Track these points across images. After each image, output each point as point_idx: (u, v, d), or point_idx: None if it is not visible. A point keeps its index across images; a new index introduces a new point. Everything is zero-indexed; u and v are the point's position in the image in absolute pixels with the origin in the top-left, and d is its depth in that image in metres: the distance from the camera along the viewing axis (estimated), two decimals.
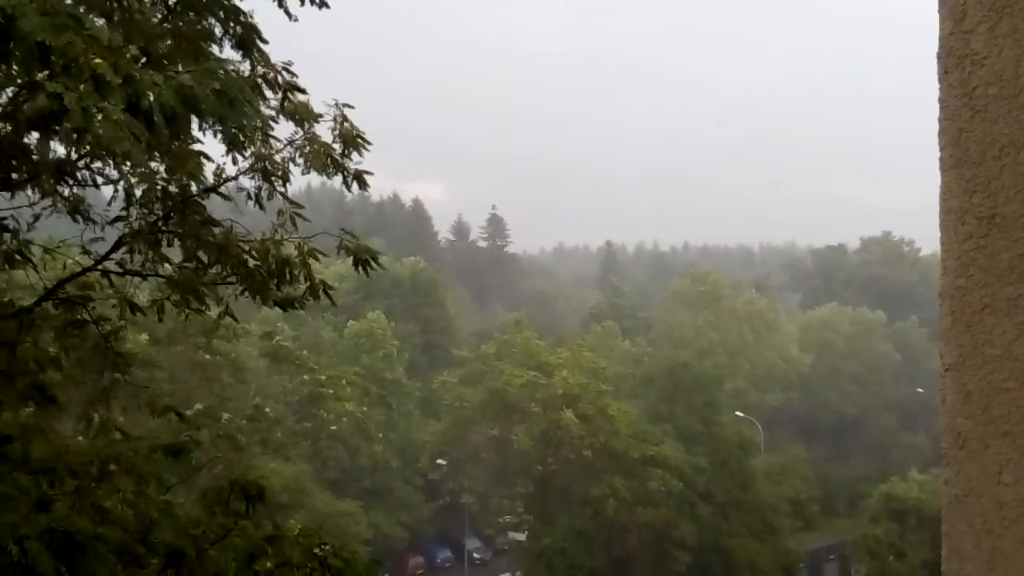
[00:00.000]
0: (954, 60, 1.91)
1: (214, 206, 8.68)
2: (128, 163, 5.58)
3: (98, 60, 5.32)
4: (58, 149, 7.30)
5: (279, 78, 7.67)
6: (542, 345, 58.39)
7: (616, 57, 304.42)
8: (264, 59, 7.74)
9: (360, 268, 8.70)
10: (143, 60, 6.58)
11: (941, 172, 1.96)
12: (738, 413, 65.75)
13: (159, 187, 7.17)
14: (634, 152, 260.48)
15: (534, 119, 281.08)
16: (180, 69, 6.62)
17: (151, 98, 5.57)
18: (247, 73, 7.50)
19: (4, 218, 7.41)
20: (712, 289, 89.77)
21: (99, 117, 5.16)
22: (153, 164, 6.70)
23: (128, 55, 5.78)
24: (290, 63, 7.81)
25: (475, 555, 61.40)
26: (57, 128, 5.42)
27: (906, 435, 79.65)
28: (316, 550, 6.91)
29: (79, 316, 7.90)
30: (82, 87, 5.23)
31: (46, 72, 5.45)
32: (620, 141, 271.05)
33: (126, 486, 7.94)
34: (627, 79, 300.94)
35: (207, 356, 43.60)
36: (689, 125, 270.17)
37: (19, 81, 6.14)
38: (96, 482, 7.56)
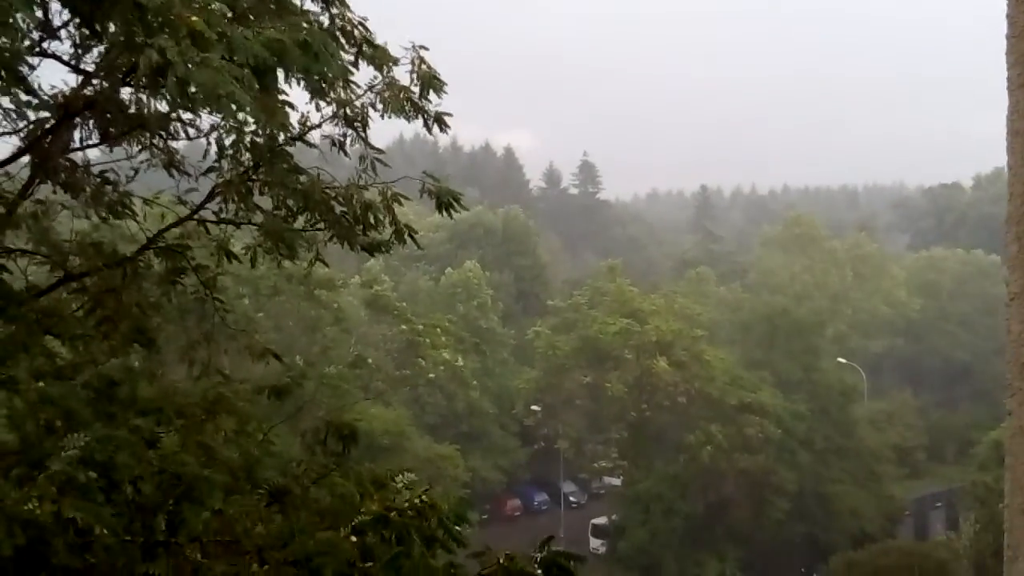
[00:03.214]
0: None
1: (301, 154, 8.89)
2: (234, 105, 5.79)
3: (194, 18, 5.54)
4: (153, 104, 7.61)
5: (356, 32, 7.73)
6: (635, 292, 57.96)
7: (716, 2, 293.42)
8: (342, 12, 7.80)
9: (443, 211, 8.78)
10: (229, 15, 6.73)
11: (1008, 93, 1.83)
12: (840, 359, 64.06)
13: (247, 139, 7.38)
14: (731, 94, 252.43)
15: (628, 67, 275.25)
16: (266, 24, 6.78)
17: (244, 51, 5.76)
18: (326, 24, 7.58)
19: (106, 171, 7.79)
20: (809, 232, 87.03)
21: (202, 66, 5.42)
22: (241, 115, 6.89)
23: (221, 11, 5.96)
24: (366, 19, 7.87)
25: (571, 498, 62.27)
26: (163, 81, 5.64)
27: None
28: (416, 500, 7.08)
29: (178, 264, 8.28)
30: (182, 43, 5.48)
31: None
32: (716, 84, 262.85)
33: (229, 426, 8.36)
34: (727, 27, 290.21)
35: (310, 307, 45.09)
36: (790, 65, 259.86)
37: (120, 39, 6.37)
38: (201, 422, 7.97)
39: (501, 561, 6.32)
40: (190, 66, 5.53)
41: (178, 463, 6.60)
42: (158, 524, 6.27)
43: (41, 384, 6.43)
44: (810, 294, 77.81)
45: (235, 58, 5.92)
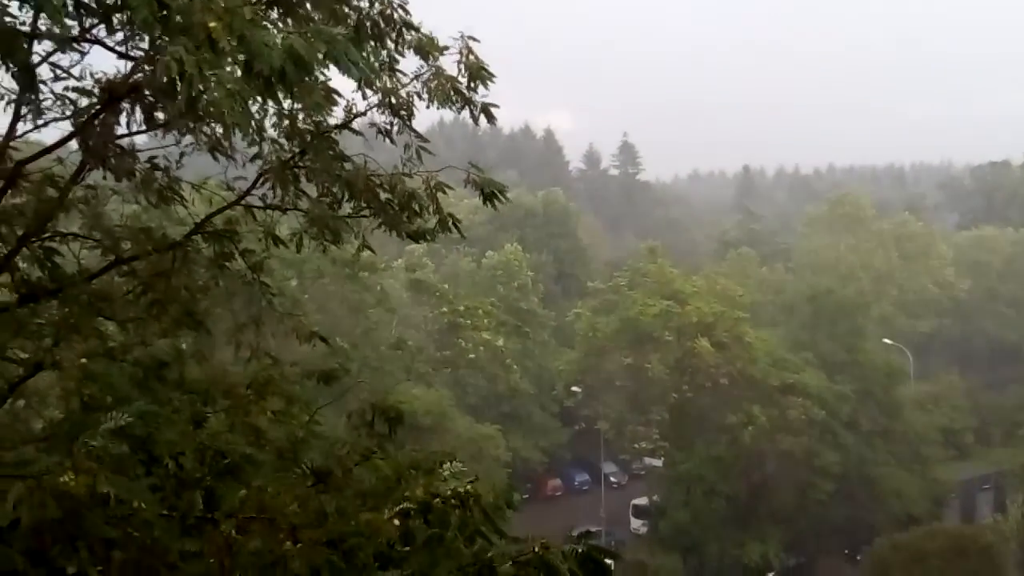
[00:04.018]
0: None
1: (349, 143, 8.94)
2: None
3: (213, 23, 5.49)
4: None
5: (395, 15, 7.72)
6: (676, 273, 57.54)
7: None
8: None
9: (487, 202, 8.78)
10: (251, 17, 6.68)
11: None
12: (886, 340, 63.03)
13: (285, 123, 7.43)
14: (775, 74, 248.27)
15: (670, 46, 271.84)
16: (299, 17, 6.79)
17: (263, 60, 5.66)
18: (366, 9, 7.58)
19: (155, 157, 7.93)
20: (854, 211, 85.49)
21: (213, 82, 5.36)
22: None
23: (244, 13, 5.87)
24: (406, 1, 7.85)
25: (612, 479, 62.32)
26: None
27: None
28: (461, 489, 7.13)
29: (226, 249, 8.41)
30: (200, 51, 5.40)
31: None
32: (761, 63, 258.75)
33: (276, 407, 8.50)
34: (772, 5, 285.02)
35: (354, 290, 45.53)
36: (836, 42, 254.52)
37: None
38: (249, 403, 8.12)
39: (536, 550, 6.33)
40: (202, 86, 5.44)
41: (224, 442, 6.74)
42: (196, 500, 6.41)
43: (84, 361, 6.56)
44: (855, 274, 76.56)
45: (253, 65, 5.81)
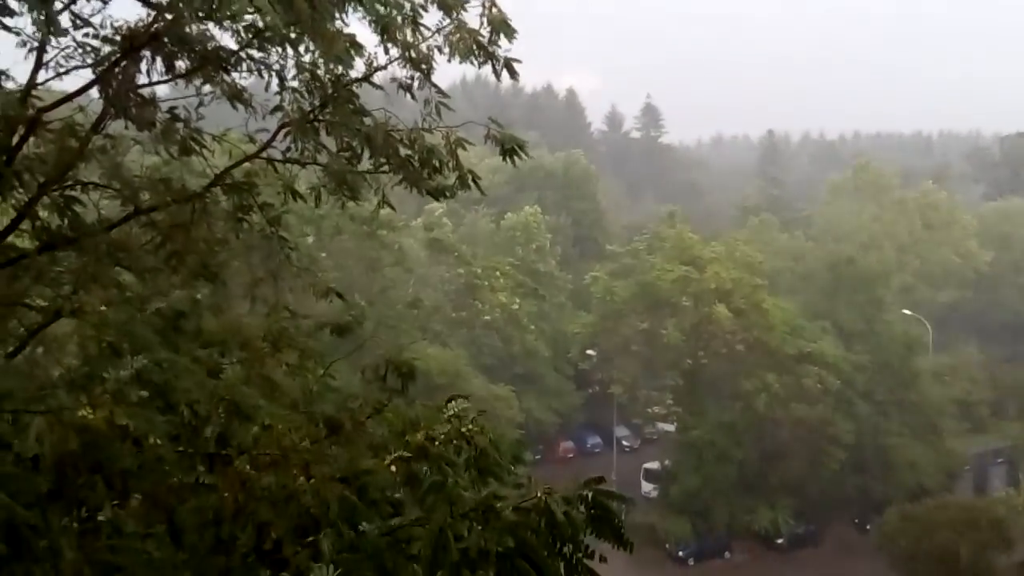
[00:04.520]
0: None
1: (370, 98, 8.85)
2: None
3: None
4: (220, 39, 7.65)
5: None
6: (695, 239, 57.25)
7: None
8: None
9: (507, 158, 8.70)
10: None
11: None
12: (905, 311, 62.60)
13: (307, 74, 7.37)
14: (801, 35, 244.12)
15: (695, 7, 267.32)
16: None
17: None
18: None
19: (175, 107, 7.89)
20: (877, 179, 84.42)
21: None
22: (301, 48, 6.90)
23: None
24: None
25: (624, 442, 62.67)
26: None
27: None
28: (464, 429, 7.20)
29: (245, 202, 8.40)
30: None
31: None
32: (787, 24, 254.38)
33: (291, 360, 8.56)
34: None
35: (371, 247, 45.62)
36: (865, 6, 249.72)
37: None
38: (264, 356, 8.17)
39: (540, 495, 6.36)
40: None
41: (239, 392, 6.81)
42: (209, 437, 6.50)
43: (103, 309, 6.62)
44: (877, 243, 75.83)
45: None
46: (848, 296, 55.77)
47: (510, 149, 8.48)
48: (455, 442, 7.00)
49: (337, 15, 6.99)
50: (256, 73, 7.81)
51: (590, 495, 6.48)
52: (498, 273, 58.23)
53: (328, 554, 5.65)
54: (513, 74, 8.35)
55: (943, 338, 68.89)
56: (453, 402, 7.84)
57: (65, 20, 6.97)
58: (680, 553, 49.50)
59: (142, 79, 7.64)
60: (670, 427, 55.97)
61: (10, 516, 4.68)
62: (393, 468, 6.87)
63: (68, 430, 5.16)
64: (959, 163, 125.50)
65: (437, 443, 6.93)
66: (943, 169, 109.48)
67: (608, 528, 6.52)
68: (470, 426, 7.18)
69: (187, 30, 6.99)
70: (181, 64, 7.35)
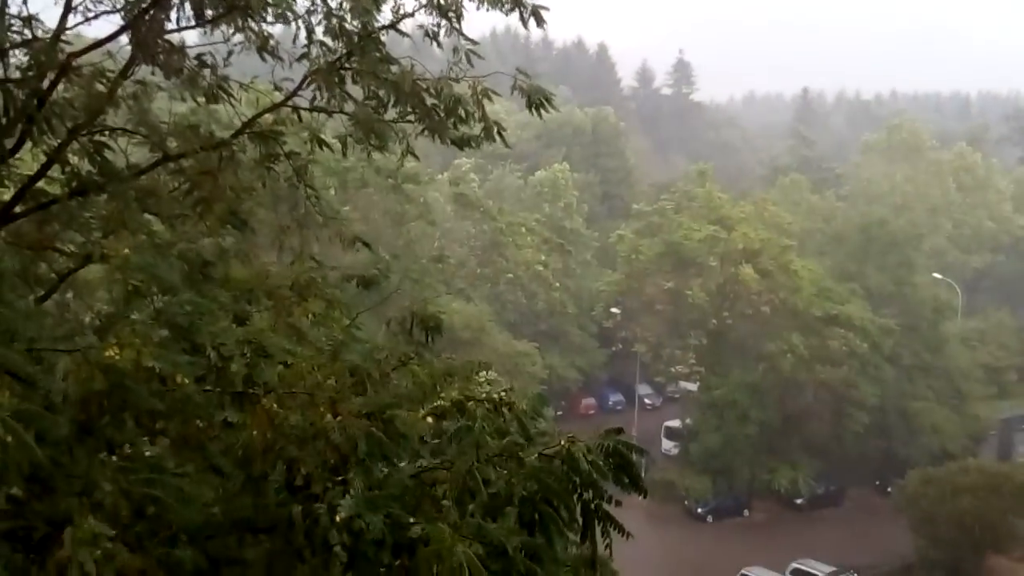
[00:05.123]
0: None
1: (396, 47, 8.78)
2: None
3: None
4: None
5: None
6: (724, 198, 56.65)
7: None
8: None
9: (534, 110, 8.63)
10: None
11: None
12: (936, 275, 61.80)
13: (335, 23, 7.33)
14: None
15: None
16: None
17: None
18: None
19: (203, 54, 7.89)
20: (913, 139, 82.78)
21: None
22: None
23: None
24: None
25: (646, 400, 62.86)
26: None
27: None
28: (496, 395, 7.27)
29: (272, 150, 8.41)
30: None
31: None
32: None
33: (317, 310, 8.63)
34: None
35: (396, 201, 45.61)
36: None
37: None
38: (291, 304, 8.25)
39: (563, 443, 6.50)
40: None
41: (265, 337, 6.90)
42: (235, 376, 6.62)
43: (128, 252, 6.70)
44: (910, 205, 74.67)
45: None
46: (878, 258, 55.12)
47: (537, 101, 8.42)
48: (487, 405, 7.10)
49: None
50: (283, 21, 7.78)
51: (610, 444, 6.59)
52: (524, 229, 58.12)
53: (360, 490, 5.77)
54: (540, 22, 8.26)
55: (974, 303, 68.04)
56: (484, 372, 7.94)
57: None
58: (699, 510, 49.83)
59: (170, 26, 7.64)
60: (693, 386, 55.99)
61: (31, 456, 4.79)
62: (429, 420, 6.99)
63: (94, 369, 5.25)
64: (997, 125, 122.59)
65: (472, 403, 7.03)
66: (980, 131, 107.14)
67: (626, 475, 6.67)
68: (502, 394, 7.27)
69: None
70: (209, 11, 7.33)
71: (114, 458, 5.61)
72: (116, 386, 5.34)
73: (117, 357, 5.33)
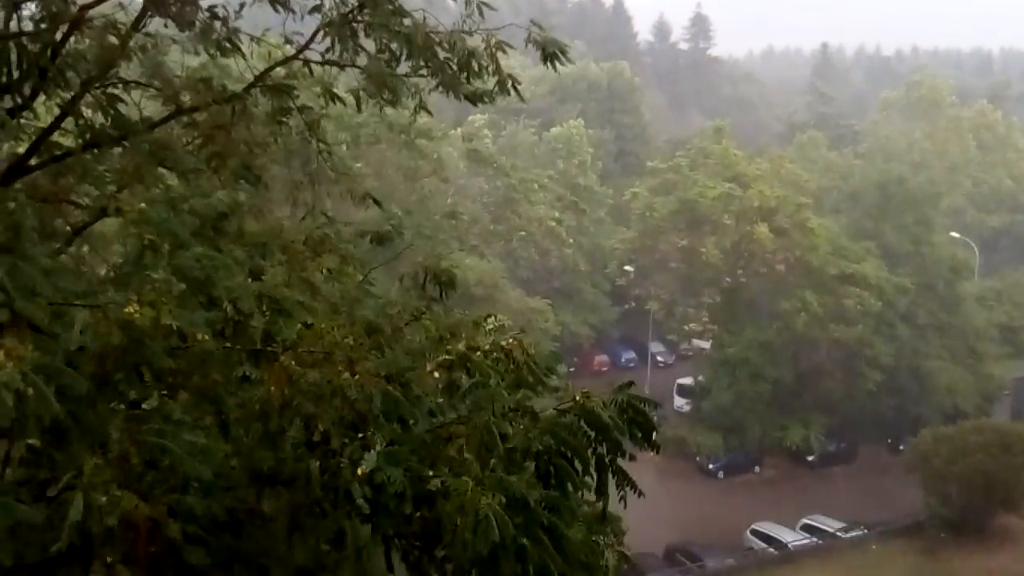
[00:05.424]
0: None
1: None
2: None
3: None
4: None
5: None
6: (740, 155, 56.06)
7: None
8: None
9: (548, 62, 8.54)
10: None
11: None
12: (953, 234, 61.19)
13: None
14: None
15: None
16: None
17: None
18: None
19: (215, 6, 7.82)
20: (932, 96, 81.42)
21: None
22: None
23: None
24: None
25: (658, 358, 62.99)
26: None
27: None
28: (503, 342, 7.30)
29: (284, 104, 8.36)
30: None
31: None
32: None
33: (331, 265, 8.66)
34: None
35: (409, 157, 45.36)
36: None
37: None
38: (305, 259, 8.28)
39: (578, 398, 6.56)
40: None
41: (280, 292, 6.95)
42: (254, 333, 6.68)
43: (143, 206, 6.72)
44: (928, 163, 73.67)
45: None
46: (896, 217, 54.60)
47: (552, 53, 8.32)
48: (495, 354, 7.13)
49: None
50: None
51: (624, 399, 6.63)
52: (537, 186, 57.83)
53: (380, 446, 5.86)
54: None
55: (990, 262, 67.45)
56: (492, 318, 7.94)
57: None
58: (710, 466, 50.20)
59: None
60: (705, 344, 56.04)
61: (50, 410, 4.86)
62: (436, 374, 7.04)
63: (112, 325, 5.29)
64: (1019, 82, 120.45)
65: (478, 353, 7.07)
66: (1002, 88, 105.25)
67: (640, 430, 6.72)
68: (509, 340, 7.30)
69: None
70: None
71: (123, 407, 5.68)
72: (133, 342, 5.39)
73: (137, 314, 5.37)
